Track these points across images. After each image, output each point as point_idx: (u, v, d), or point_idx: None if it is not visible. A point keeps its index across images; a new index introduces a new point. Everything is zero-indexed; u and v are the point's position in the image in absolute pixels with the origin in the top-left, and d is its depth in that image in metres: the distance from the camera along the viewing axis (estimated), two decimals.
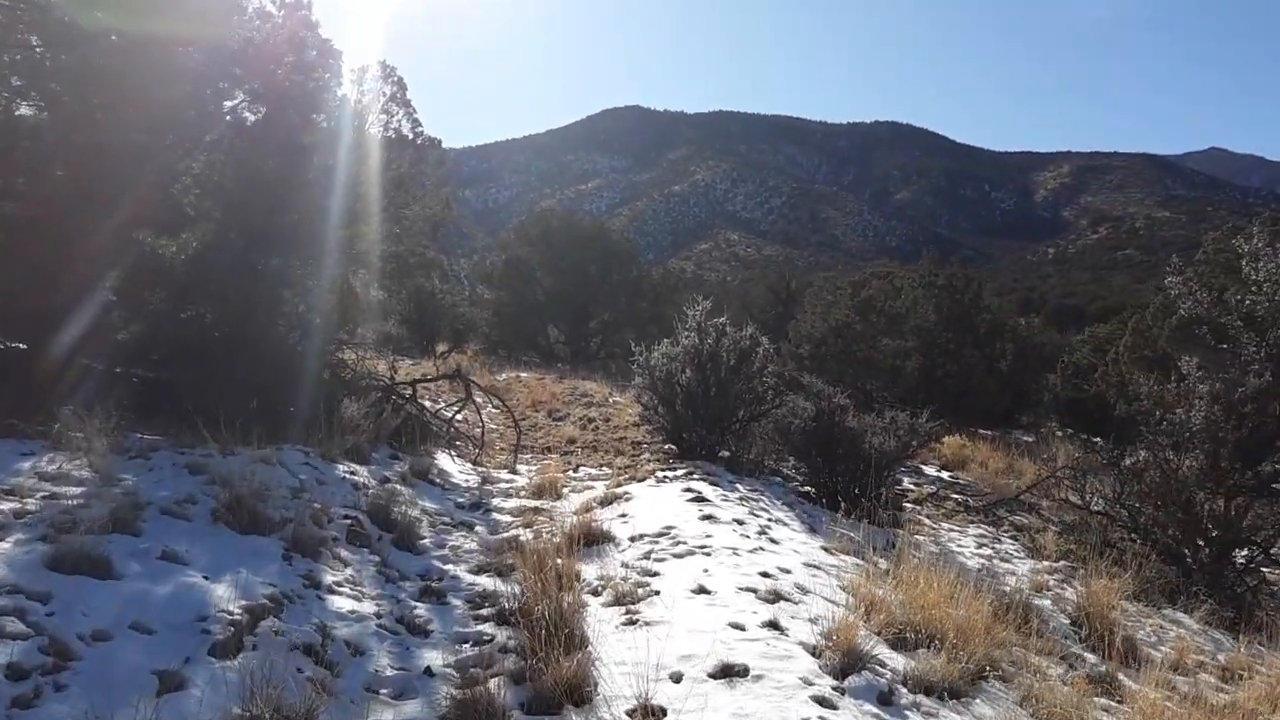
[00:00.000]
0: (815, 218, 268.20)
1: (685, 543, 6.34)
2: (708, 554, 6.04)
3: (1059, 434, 29.79)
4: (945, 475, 14.18)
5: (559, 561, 5.59)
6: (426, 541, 6.68)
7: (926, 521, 10.36)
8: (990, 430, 25.93)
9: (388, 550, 6.19)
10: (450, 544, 6.74)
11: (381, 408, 9.47)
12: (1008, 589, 7.12)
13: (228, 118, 10.23)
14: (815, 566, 6.16)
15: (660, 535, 6.53)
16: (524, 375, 24.69)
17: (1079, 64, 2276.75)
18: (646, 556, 6.06)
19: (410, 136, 11.58)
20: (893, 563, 6.84)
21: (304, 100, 9.98)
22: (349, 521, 6.25)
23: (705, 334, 10.49)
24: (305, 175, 9.98)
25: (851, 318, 16.83)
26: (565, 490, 8.93)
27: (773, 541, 6.72)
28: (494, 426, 14.71)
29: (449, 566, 6.23)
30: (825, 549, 7.00)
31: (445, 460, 10.06)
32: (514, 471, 10.31)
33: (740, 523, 7.05)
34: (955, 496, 12.32)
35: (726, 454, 10.72)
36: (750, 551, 6.21)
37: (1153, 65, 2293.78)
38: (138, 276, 8.74)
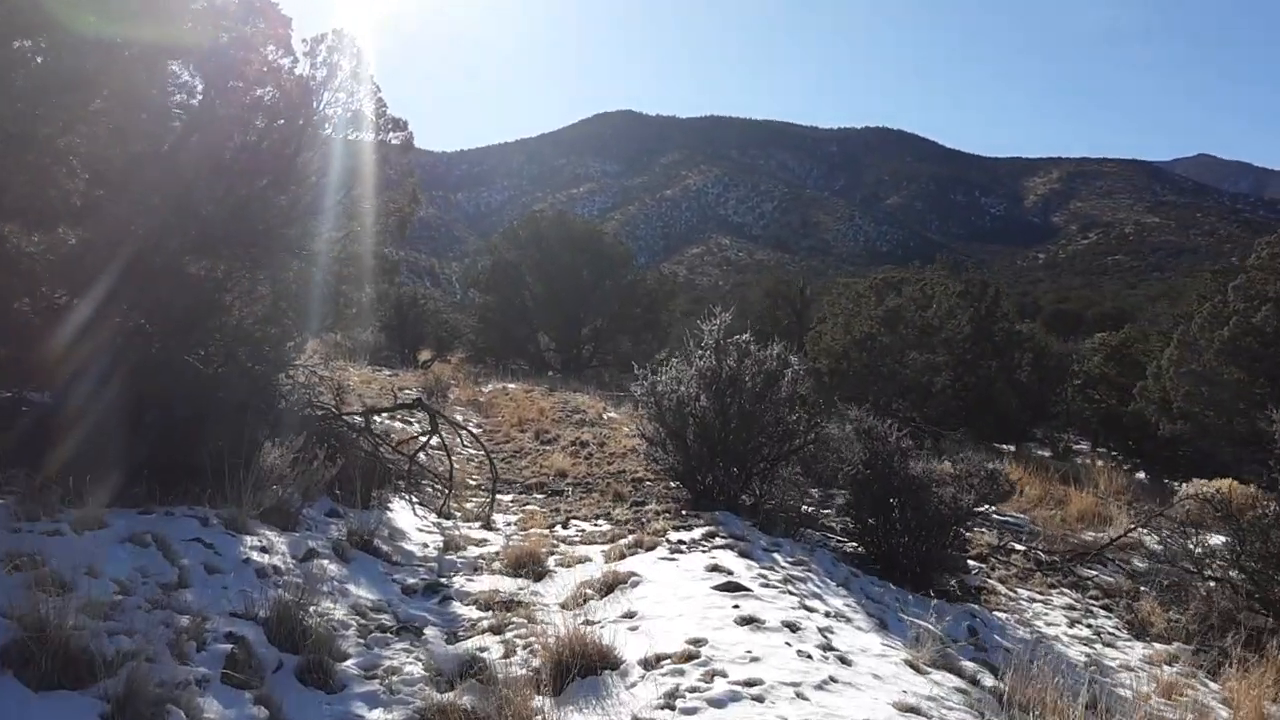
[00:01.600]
0: (806, 222, 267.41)
1: (723, 673, 4.37)
2: (759, 700, 4.09)
3: (1082, 449, 28.02)
4: (989, 509, 12.27)
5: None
6: (350, 665, 4.66)
7: (1001, 588, 8.48)
8: (1006, 445, 24.11)
9: (286, 692, 4.17)
10: (385, 665, 4.72)
11: (322, 447, 7.48)
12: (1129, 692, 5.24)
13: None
14: (912, 711, 4.22)
15: (686, 659, 4.54)
16: (511, 387, 22.78)
17: (1068, 70, 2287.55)
18: (668, 704, 4.09)
19: (372, 118, 9.64)
20: (1000, 676, 4.93)
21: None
22: (231, 646, 4.24)
23: (724, 354, 8.61)
24: (236, 157, 8.04)
25: (877, 329, 14.97)
26: (551, 561, 6.96)
27: (843, 662, 4.80)
28: (472, 453, 12.76)
29: (375, 717, 4.23)
30: (910, 663, 5.08)
31: (402, 513, 8.10)
32: (489, 525, 8.36)
33: (794, 628, 5.11)
34: (1017, 546, 10.44)
35: (749, 500, 8.84)
36: (818, 687, 4.29)
37: (1141, 71, 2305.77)
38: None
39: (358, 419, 9.79)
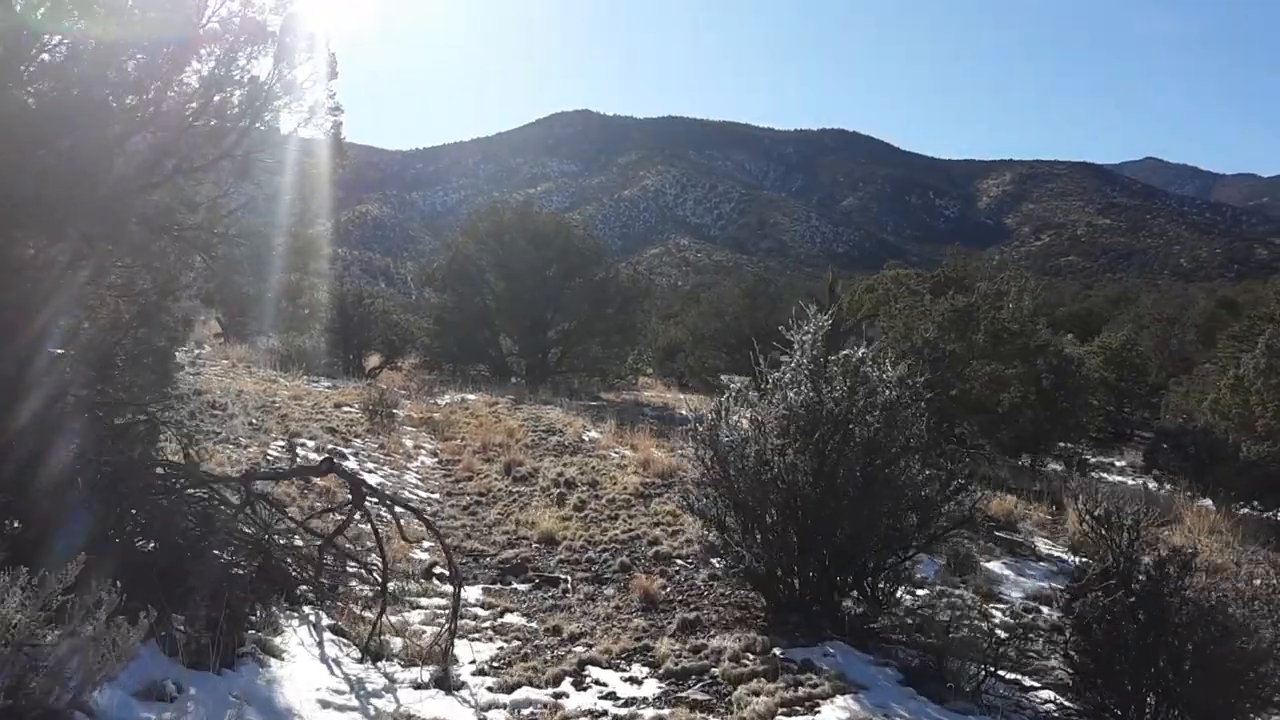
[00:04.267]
0: (764, 223, 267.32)
1: None
2: None
3: (1114, 465, 25.70)
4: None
5: None
6: None
7: None
8: (1017, 461, 21.67)
9: None
10: None
11: (151, 538, 4.45)
12: None
13: None
14: None
15: None
16: (472, 399, 19.86)
17: (1021, 74, 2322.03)
18: None
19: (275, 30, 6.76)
20: None
21: None
22: None
23: (828, 378, 5.75)
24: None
25: (945, 336, 12.22)
26: None
27: None
28: (426, 495, 9.83)
29: None
30: None
31: (299, 660, 4.89)
32: (446, 678, 5.11)
33: None
34: None
35: (856, 606, 5.97)
36: None
37: (1091, 76, 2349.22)
38: None
39: (234, 493, 6.57)
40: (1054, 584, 8.19)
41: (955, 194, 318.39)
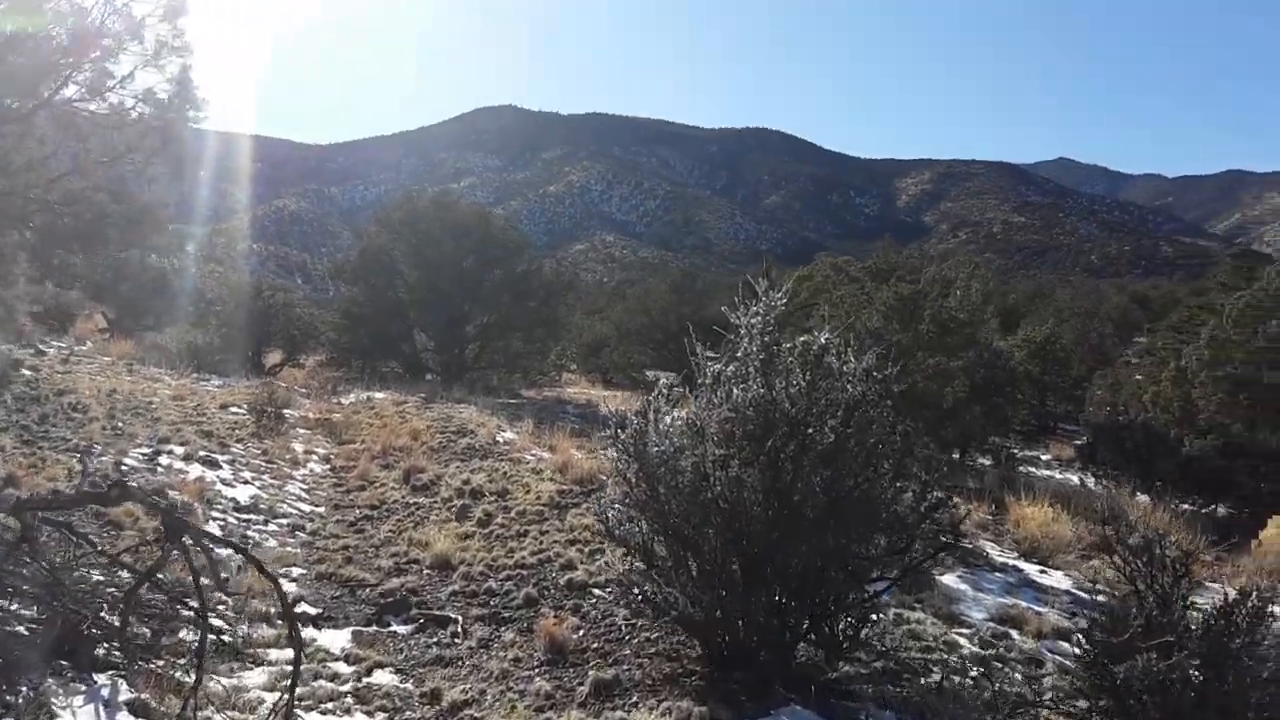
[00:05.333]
0: (689, 221, 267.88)
1: None
2: None
3: (1040, 459, 25.34)
4: (1072, 588, 8.68)
5: None
6: None
7: None
8: (948, 456, 21.07)
9: None
10: None
11: None
12: None
13: None
14: None
15: None
16: (379, 397, 18.47)
17: (939, 75, 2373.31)
18: None
19: None
20: None
21: None
22: None
23: (783, 371, 4.56)
24: None
25: (890, 326, 11.23)
26: None
27: None
28: (307, 513, 8.59)
29: None
30: None
31: None
32: None
33: None
34: None
35: (810, 652, 4.84)
36: None
37: (1006, 78, 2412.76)
38: None
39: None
40: (1017, 600, 7.31)
41: (876, 192, 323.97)
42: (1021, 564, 9.11)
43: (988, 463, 22.55)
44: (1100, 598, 5.72)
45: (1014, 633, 6.24)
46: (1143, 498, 15.82)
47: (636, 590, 4.67)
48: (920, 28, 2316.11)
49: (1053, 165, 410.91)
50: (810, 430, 4.17)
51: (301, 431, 13.21)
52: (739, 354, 4.47)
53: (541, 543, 7.22)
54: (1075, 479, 21.75)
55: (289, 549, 7.26)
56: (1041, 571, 8.71)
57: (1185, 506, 14.99)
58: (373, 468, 10.59)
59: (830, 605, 4.57)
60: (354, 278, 27.24)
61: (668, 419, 4.68)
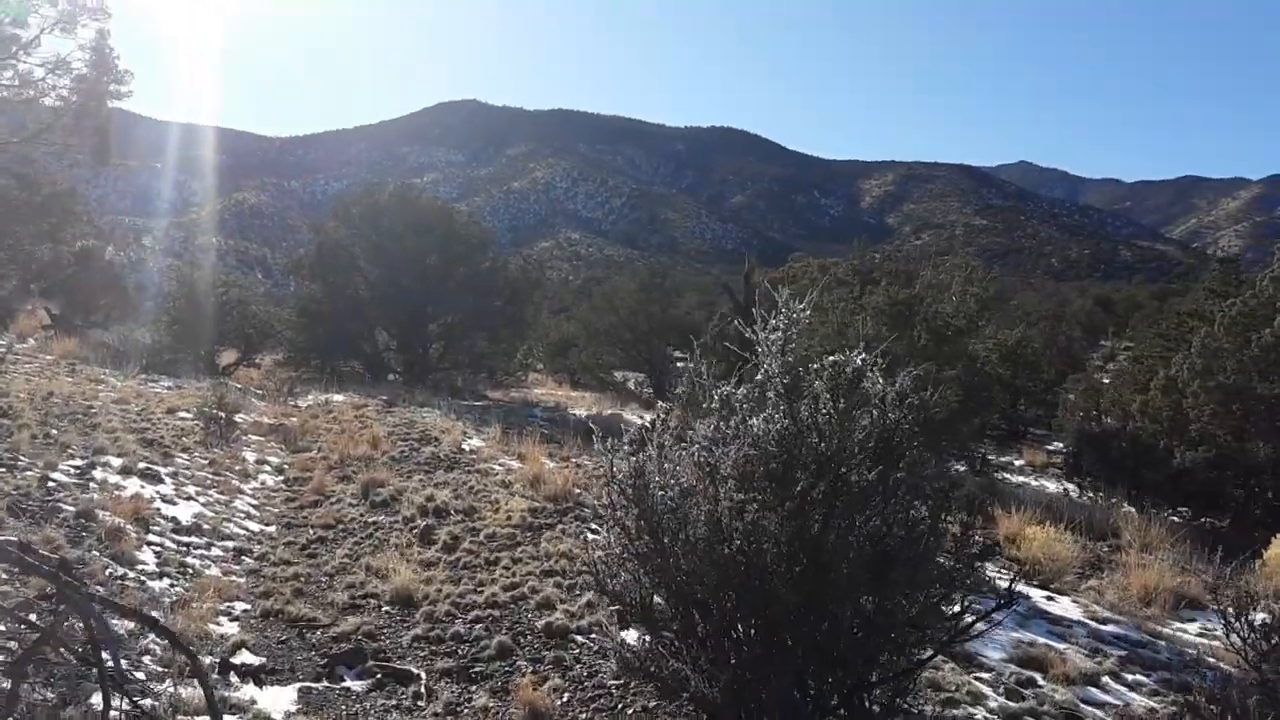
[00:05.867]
0: (655, 219, 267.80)
1: None
2: None
3: (1015, 465, 24.98)
4: (1084, 618, 8.12)
5: None
6: None
7: None
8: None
9: None
10: None
11: None
12: None
13: None
14: None
15: None
16: (338, 399, 17.67)
17: (902, 77, 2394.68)
18: None
19: None
20: None
21: None
22: None
23: (809, 397, 3.81)
24: None
25: (882, 330, 10.60)
26: None
27: None
28: (256, 533, 7.85)
29: None
30: None
31: None
32: None
33: None
34: None
35: None
36: None
37: (968, 81, 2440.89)
38: None
39: None
40: (1034, 636, 6.74)
41: (840, 194, 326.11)
42: (1026, 589, 8.57)
43: (962, 469, 22.15)
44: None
45: (1039, 677, 5.66)
46: (1129, 509, 15.44)
47: (638, 665, 3.92)
48: (883, 30, 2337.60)
49: (1014, 169, 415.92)
50: (844, 469, 3.51)
51: (254, 438, 12.40)
52: (760, 375, 3.77)
53: (514, 574, 6.52)
54: (1051, 486, 21.41)
55: (233, 578, 6.51)
56: (1048, 598, 8.17)
57: (1172, 518, 14.62)
58: (329, 480, 9.83)
59: (867, 677, 3.90)
60: (312, 274, 26.24)
61: (673, 454, 3.88)
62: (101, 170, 6.46)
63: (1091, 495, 14.63)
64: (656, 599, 3.77)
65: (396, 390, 20.01)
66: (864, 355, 3.54)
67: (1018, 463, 26.59)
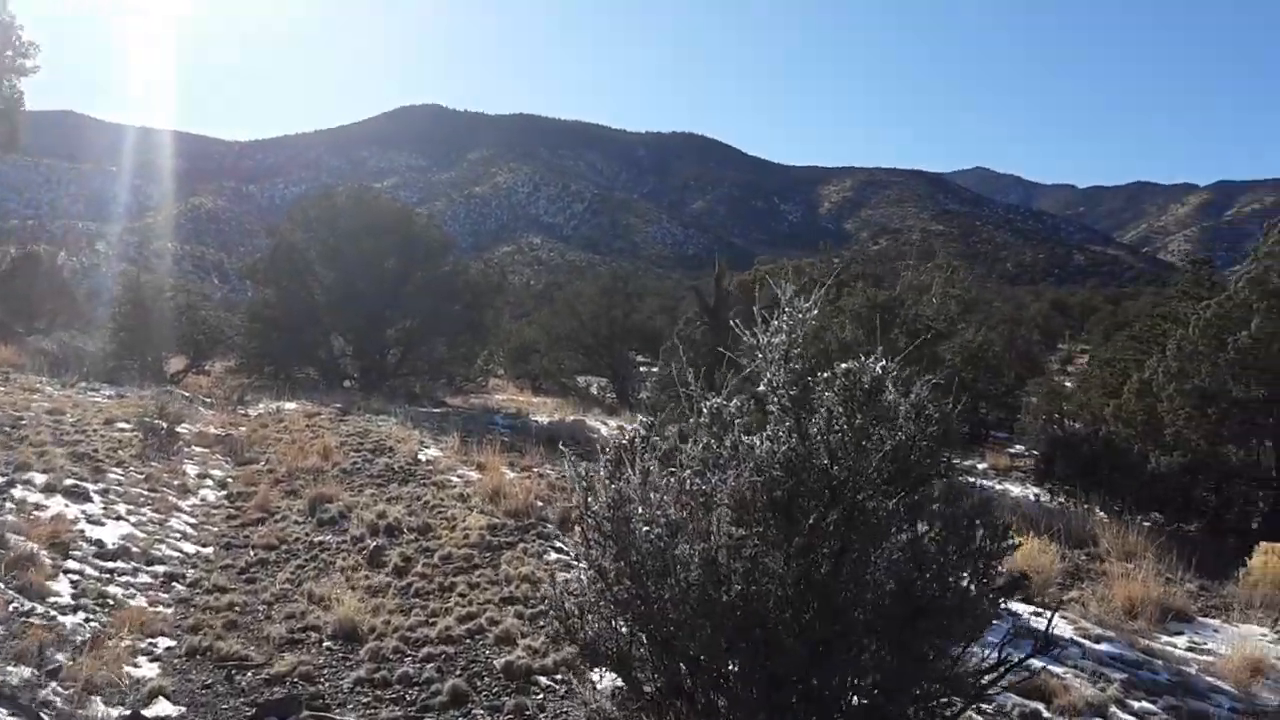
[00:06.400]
0: (616, 224, 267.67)
1: None
2: None
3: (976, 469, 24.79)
4: (1076, 636, 7.74)
5: None
6: None
7: None
8: None
9: None
10: None
11: None
12: None
13: None
14: None
15: None
16: (290, 408, 17.04)
17: (861, 83, 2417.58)
18: None
19: None
20: None
21: None
22: None
23: (821, 413, 3.19)
24: None
25: (859, 336, 10.09)
26: None
27: None
28: (192, 554, 7.28)
29: None
30: None
31: None
32: None
33: None
34: None
35: None
36: None
37: (927, 88, 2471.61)
38: None
39: None
40: (1049, 665, 6.35)
41: (799, 199, 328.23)
42: (1011, 604, 8.18)
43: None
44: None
45: (1043, 709, 5.24)
46: (1101, 514, 15.23)
47: None
48: (841, 37, 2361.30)
49: (970, 174, 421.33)
50: (861, 497, 3.01)
51: (197, 450, 11.74)
52: (763, 385, 3.26)
53: (471, 602, 5.99)
54: (1015, 490, 21.23)
55: (160, 609, 5.92)
56: (1035, 614, 7.81)
57: (1145, 523, 14.42)
58: (275, 495, 9.24)
59: None
60: (266, 278, 25.49)
61: (655, 480, 3.32)
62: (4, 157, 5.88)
63: (1062, 500, 14.38)
64: (637, 649, 3.26)
65: (352, 397, 19.37)
66: (882, 362, 3.07)
67: (980, 466, 26.43)
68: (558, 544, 7.34)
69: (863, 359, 3.07)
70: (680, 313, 37.14)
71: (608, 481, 3.31)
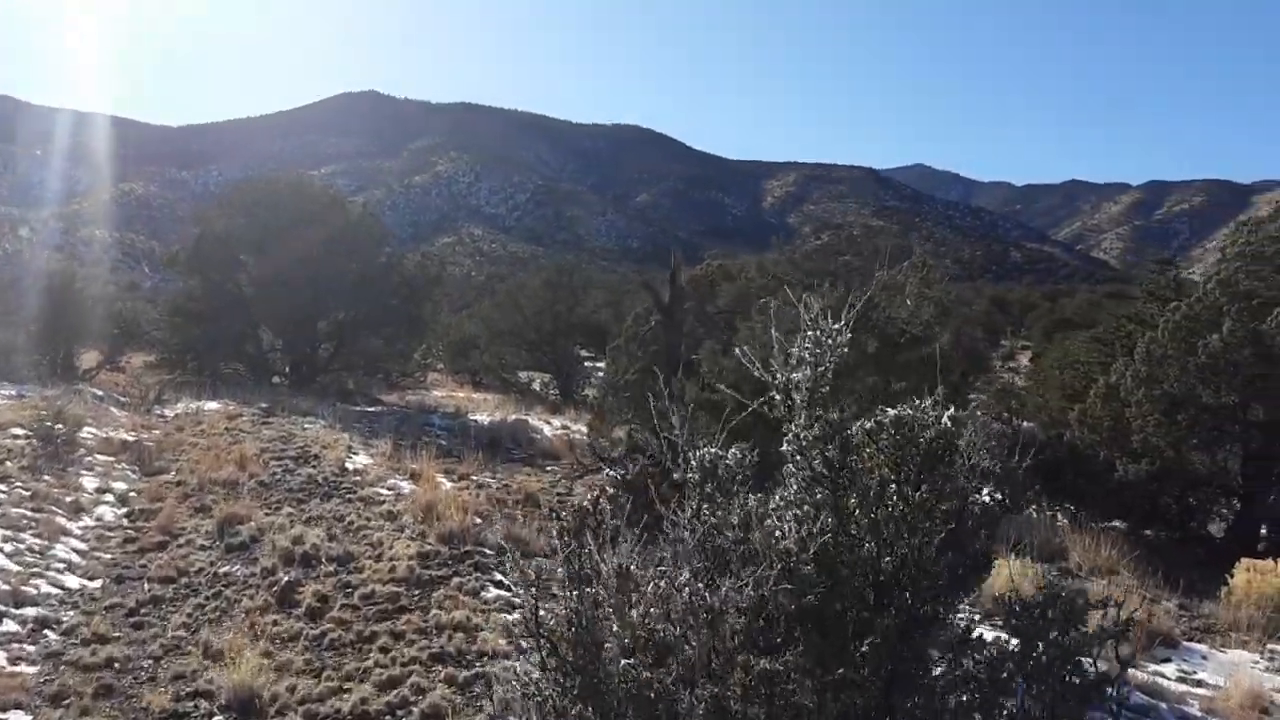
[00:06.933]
0: (560, 216, 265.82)
1: None
2: None
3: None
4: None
5: None
6: None
7: None
8: None
9: None
10: None
11: None
12: None
13: None
14: None
15: None
16: (211, 408, 15.95)
17: (803, 78, 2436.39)
18: None
19: None
20: None
21: None
22: None
23: (861, 480, 2.34)
24: None
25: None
26: None
27: None
28: (76, 589, 6.33)
29: None
30: None
31: None
32: None
33: None
34: None
35: None
36: None
37: (869, 84, 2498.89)
38: None
39: None
40: None
41: (743, 193, 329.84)
42: (992, 631, 7.55)
43: None
44: None
45: None
46: (1063, 521, 14.81)
47: None
48: (784, 34, 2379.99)
49: (910, 171, 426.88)
50: (924, 607, 2.17)
51: (100, 459, 10.65)
52: (788, 440, 2.42)
53: (394, 660, 5.11)
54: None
55: (21, 667, 4.97)
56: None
57: (1110, 532, 14.01)
58: (182, 513, 8.27)
59: None
60: (190, 268, 24.09)
61: (636, 573, 2.30)
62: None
63: (1029, 509, 13.90)
64: None
65: (280, 395, 18.24)
66: (948, 410, 2.31)
67: None
68: (498, 576, 6.50)
69: (915, 401, 2.29)
70: (627, 307, 36.31)
71: (567, 584, 2.38)
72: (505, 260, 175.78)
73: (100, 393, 17.67)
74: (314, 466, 10.45)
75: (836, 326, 2.40)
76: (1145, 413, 11.81)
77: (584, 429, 15.77)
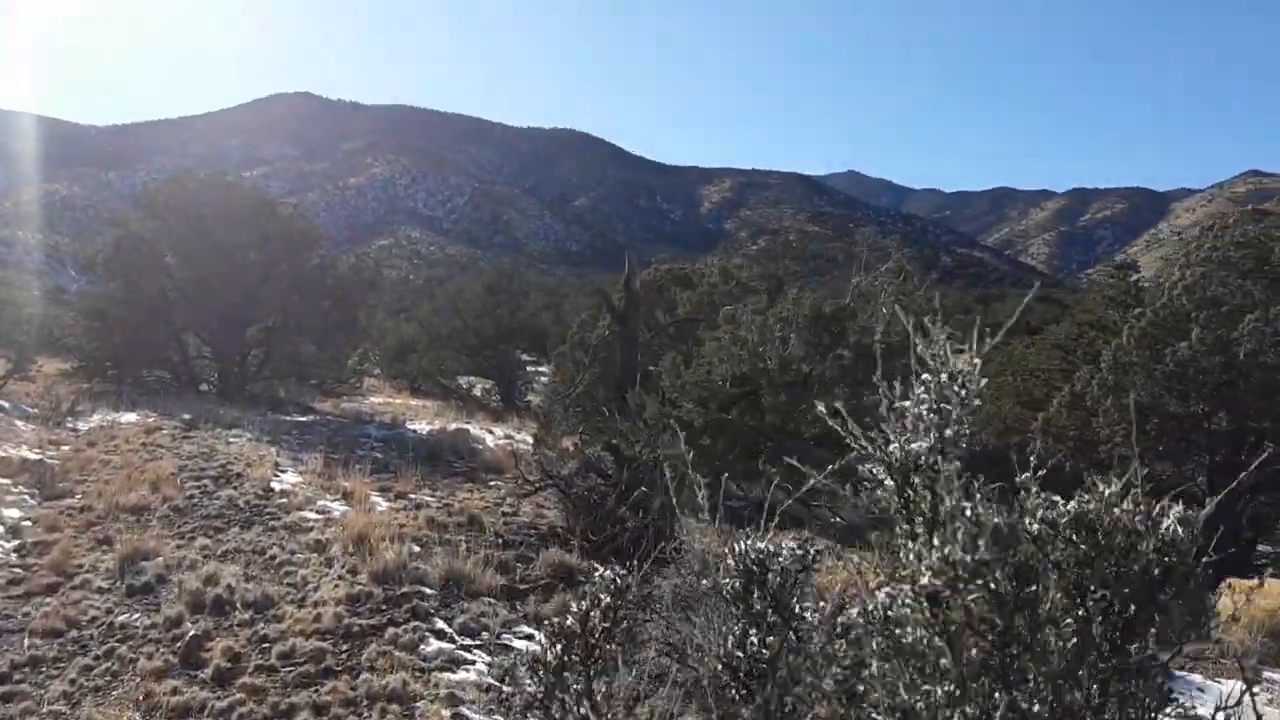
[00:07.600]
0: (497, 219, 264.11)
1: None
2: None
3: None
4: None
5: None
6: None
7: None
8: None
9: None
10: None
11: None
12: None
13: None
14: None
15: None
16: (129, 420, 14.91)
17: (739, 85, 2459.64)
18: None
19: None
20: None
21: None
22: None
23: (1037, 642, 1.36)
24: None
25: (807, 348, 8.67)
26: None
27: None
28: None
29: None
30: None
31: None
32: None
33: None
34: None
35: None
36: None
37: (803, 91, 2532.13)
38: None
39: None
40: None
41: (680, 198, 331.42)
42: None
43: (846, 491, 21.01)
44: None
45: None
46: None
47: None
48: (720, 37, 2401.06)
49: (843, 178, 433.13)
50: None
51: None
52: (903, 568, 1.61)
53: None
54: None
55: None
56: None
57: None
58: (80, 546, 7.35)
59: None
60: (110, 271, 22.76)
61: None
62: None
63: None
64: None
65: (206, 405, 17.17)
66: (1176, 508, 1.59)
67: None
68: (439, 624, 5.72)
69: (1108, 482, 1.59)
70: (568, 310, 35.56)
71: None
72: (443, 263, 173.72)
73: (6, 404, 16.45)
74: (235, 488, 9.55)
75: (968, 369, 1.64)
76: (1114, 422, 11.48)
77: (529, 439, 15.02)
